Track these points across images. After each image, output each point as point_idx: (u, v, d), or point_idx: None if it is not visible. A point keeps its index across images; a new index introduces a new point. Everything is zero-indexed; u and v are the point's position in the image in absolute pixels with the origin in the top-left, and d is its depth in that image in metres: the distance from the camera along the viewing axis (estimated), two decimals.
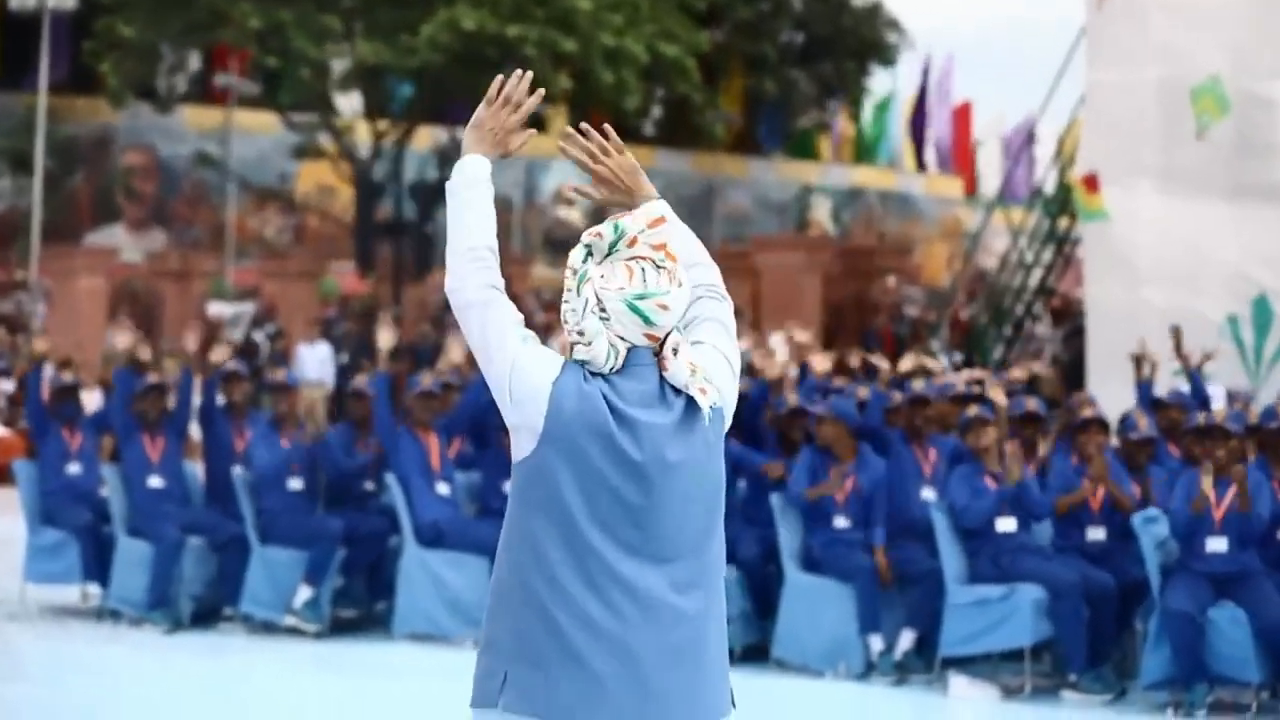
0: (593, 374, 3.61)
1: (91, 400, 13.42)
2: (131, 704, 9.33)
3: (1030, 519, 9.76)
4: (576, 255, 3.65)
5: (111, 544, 11.25)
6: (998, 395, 10.30)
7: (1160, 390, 11.36)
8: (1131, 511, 9.48)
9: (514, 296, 3.78)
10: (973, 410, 9.98)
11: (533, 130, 3.86)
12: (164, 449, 11.24)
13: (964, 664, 9.76)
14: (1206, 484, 8.97)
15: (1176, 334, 11.21)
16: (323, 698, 9.63)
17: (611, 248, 3.63)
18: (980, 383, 11.22)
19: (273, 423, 11.29)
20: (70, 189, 32.97)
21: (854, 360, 14.42)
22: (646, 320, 3.60)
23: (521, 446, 3.61)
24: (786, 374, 11.64)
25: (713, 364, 3.71)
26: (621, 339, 3.61)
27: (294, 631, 10.74)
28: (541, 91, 3.86)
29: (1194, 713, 8.95)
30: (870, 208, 43.40)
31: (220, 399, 11.56)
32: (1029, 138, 29.83)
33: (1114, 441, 10.34)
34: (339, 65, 29.92)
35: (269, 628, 10.86)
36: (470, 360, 12.53)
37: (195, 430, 12.08)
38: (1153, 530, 9.19)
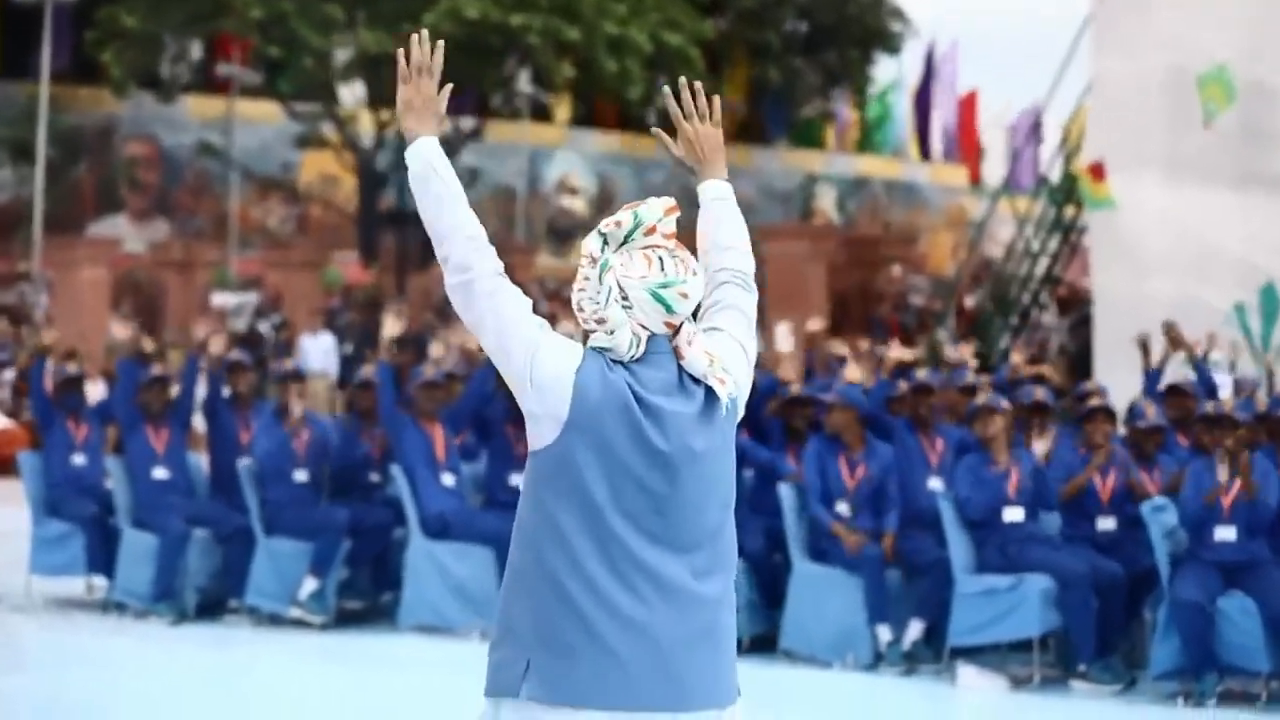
0: (614, 362, 3.60)
1: (94, 392, 13.37)
2: (136, 696, 9.30)
3: (1038, 509, 9.73)
4: (594, 243, 3.64)
5: (116, 536, 11.22)
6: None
7: (1169, 378, 11.29)
8: (1146, 497, 9.43)
9: (518, 286, 3.73)
10: (980, 399, 9.94)
11: (450, 85, 3.84)
12: (168, 440, 11.21)
13: (972, 654, 9.72)
14: (1223, 473, 8.95)
15: (1171, 329, 11.06)
16: (328, 689, 9.60)
17: (628, 236, 3.63)
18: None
19: (277, 414, 11.25)
20: (73, 179, 32.93)
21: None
22: (669, 309, 3.60)
23: (542, 435, 3.59)
24: (796, 366, 11.61)
25: (729, 353, 3.72)
26: (643, 327, 3.61)
27: (299, 623, 10.71)
28: (441, 43, 3.84)
29: (1204, 703, 8.92)
30: (875, 197, 43.35)
31: (225, 390, 11.52)
32: (1035, 126, 29.77)
33: (1122, 430, 10.31)
34: (341, 54, 29.88)
35: (274, 620, 10.83)
36: (472, 351, 12.49)
37: (200, 421, 12.04)
38: (1161, 519, 9.16)
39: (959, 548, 9.63)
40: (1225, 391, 11.24)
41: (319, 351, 22.48)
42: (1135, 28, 15.74)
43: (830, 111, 42.72)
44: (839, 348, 12.09)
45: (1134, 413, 10.50)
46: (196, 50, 33.75)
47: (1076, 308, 21.02)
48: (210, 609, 11.09)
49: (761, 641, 10.04)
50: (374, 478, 11.20)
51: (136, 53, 28.73)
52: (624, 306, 3.59)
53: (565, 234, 37.22)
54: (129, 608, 11.08)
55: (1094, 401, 10.18)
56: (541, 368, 3.58)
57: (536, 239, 36.29)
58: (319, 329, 23.39)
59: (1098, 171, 15.92)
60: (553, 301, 23.37)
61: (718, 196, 3.96)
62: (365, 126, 31.02)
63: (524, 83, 31.77)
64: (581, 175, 38.10)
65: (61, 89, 30.47)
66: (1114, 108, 15.93)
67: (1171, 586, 9.02)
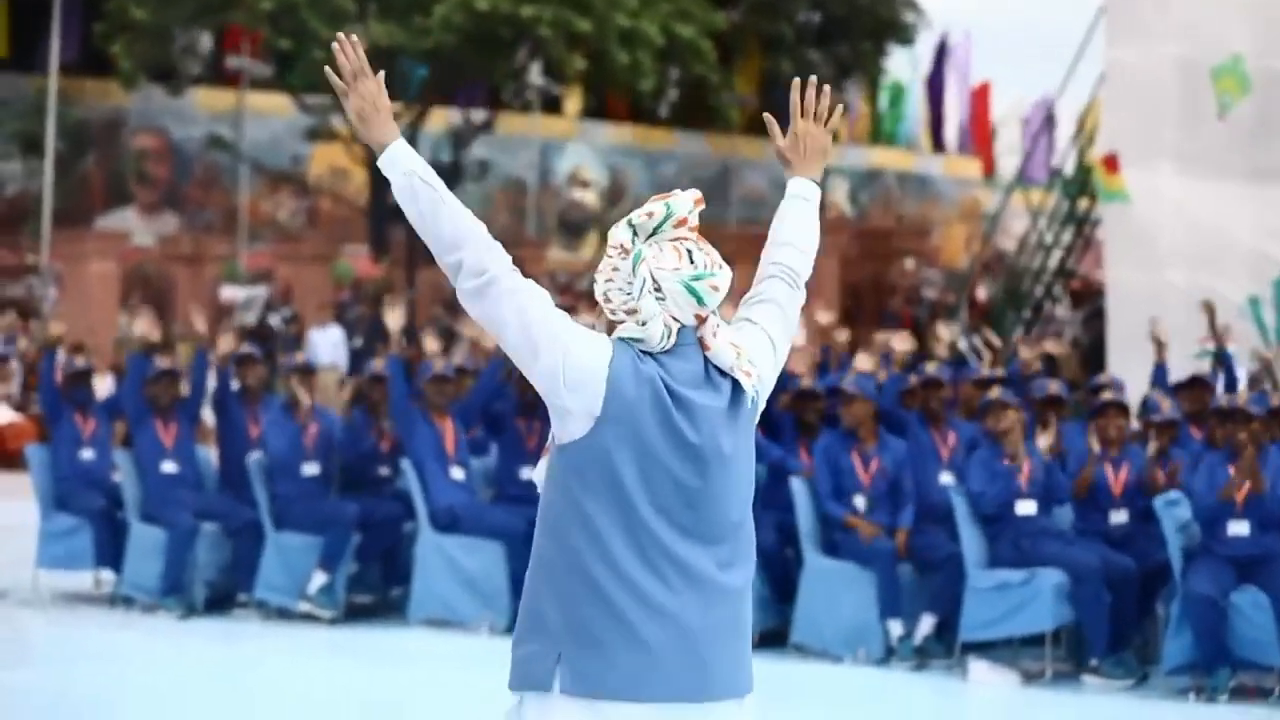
0: (643, 354, 3.60)
1: (103, 385, 13.34)
2: (144, 690, 9.27)
3: (1051, 503, 9.68)
4: (623, 234, 3.63)
5: (125, 530, 11.20)
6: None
7: (1176, 372, 11.24)
8: (1160, 490, 9.37)
9: (528, 279, 3.67)
10: (993, 393, 9.90)
11: (383, 70, 3.74)
12: (177, 434, 11.18)
13: (984, 649, 9.69)
14: (1238, 471, 8.90)
15: (1210, 309, 11.04)
16: (337, 683, 9.57)
17: (658, 228, 3.63)
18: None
19: (286, 407, 11.21)
20: (81, 172, 32.89)
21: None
22: (700, 301, 3.60)
23: (571, 429, 3.58)
24: (808, 359, 11.58)
25: (757, 346, 3.74)
26: (675, 319, 3.60)
27: (309, 617, 10.69)
28: (355, 39, 3.72)
29: (1216, 698, 8.88)
30: (888, 189, 43.25)
31: (234, 383, 11.49)
32: (1048, 118, 29.67)
33: (1135, 424, 10.26)
34: None
35: (283, 614, 10.80)
36: (480, 346, 12.43)
37: (209, 415, 12.01)
38: (1174, 514, 9.10)
39: (971, 542, 9.59)
40: (1240, 385, 11.19)
41: (327, 345, 22.45)
42: (1149, 19, 15.67)
43: (843, 103, 42.61)
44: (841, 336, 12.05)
45: (1148, 406, 10.45)
46: (206, 43, 33.67)
47: (1090, 300, 20.96)
48: (219, 603, 11.06)
49: (773, 636, 10.00)
50: (384, 472, 11.16)
51: (146, 45, 28.68)
52: (657, 298, 3.58)
53: (576, 227, 37.15)
54: (137, 602, 11.06)
55: (1106, 395, 10.14)
56: (575, 364, 3.55)
57: (547, 232, 36.23)
58: (327, 322, 23.36)
59: (1112, 164, 15.86)
60: (564, 295, 23.33)
61: (799, 194, 3.99)
62: None
63: (535, 75, 31.72)
64: (593, 168, 38.03)
65: (70, 81, 30.42)
66: (1128, 99, 15.87)
67: (1184, 581, 8.97)
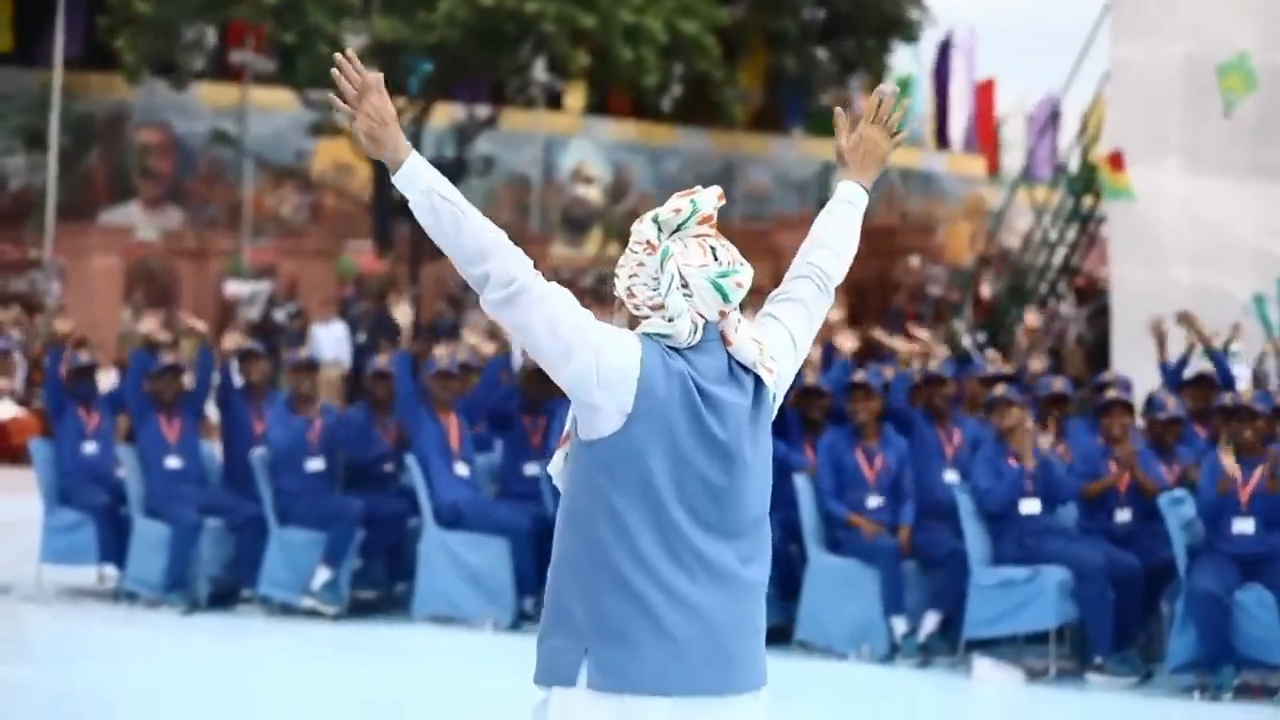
0: (670, 349, 3.63)
1: (106, 380, 13.33)
2: (148, 686, 9.27)
3: (1055, 501, 9.67)
4: (648, 230, 3.66)
5: (128, 525, 11.19)
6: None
7: (1193, 368, 11.22)
8: (1157, 495, 9.37)
9: None
10: (999, 390, 9.89)
11: (380, 73, 3.70)
12: (181, 429, 11.17)
13: (988, 646, 9.68)
14: (1229, 463, 8.89)
15: (1188, 320, 10.96)
16: (341, 680, 9.56)
17: (683, 224, 3.66)
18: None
19: (290, 403, 11.21)
20: (85, 167, 32.87)
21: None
22: (726, 297, 3.64)
23: (601, 426, 3.60)
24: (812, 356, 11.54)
25: (778, 343, 3.78)
26: (701, 315, 3.64)
27: (312, 613, 10.68)
28: (351, 53, 3.70)
29: (1220, 696, 8.87)
30: (892, 186, 43.20)
31: (238, 379, 11.48)
32: (1053, 115, 29.65)
33: (1140, 422, 10.24)
34: (356, 42, 29.78)
35: (287, 609, 10.79)
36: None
37: (212, 410, 12.00)
38: (1179, 511, 9.10)
39: (975, 539, 9.58)
40: (1244, 383, 11.18)
41: (331, 340, 22.43)
42: (1154, 16, 15.65)
43: (848, 100, 42.59)
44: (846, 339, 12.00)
45: (1152, 404, 10.43)
46: (210, 37, 33.66)
47: (1094, 298, 20.95)
48: (223, 599, 11.06)
49: (777, 633, 9.94)
50: (388, 467, 11.15)
51: (150, 39, 28.64)
52: (685, 294, 3.61)
53: (580, 223, 37.11)
54: (140, 597, 11.06)
55: (1111, 394, 10.13)
56: (608, 363, 3.58)
57: (551, 228, 36.19)
58: (331, 318, 23.35)
59: (1116, 161, 15.85)
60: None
61: (845, 198, 4.05)
62: None
63: (539, 70, 31.69)
64: (596, 164, 37.99)
65: (74, 76, 30.41)
66: (1133, 97, 15.85)
67: (1189, 579, 8.96)
